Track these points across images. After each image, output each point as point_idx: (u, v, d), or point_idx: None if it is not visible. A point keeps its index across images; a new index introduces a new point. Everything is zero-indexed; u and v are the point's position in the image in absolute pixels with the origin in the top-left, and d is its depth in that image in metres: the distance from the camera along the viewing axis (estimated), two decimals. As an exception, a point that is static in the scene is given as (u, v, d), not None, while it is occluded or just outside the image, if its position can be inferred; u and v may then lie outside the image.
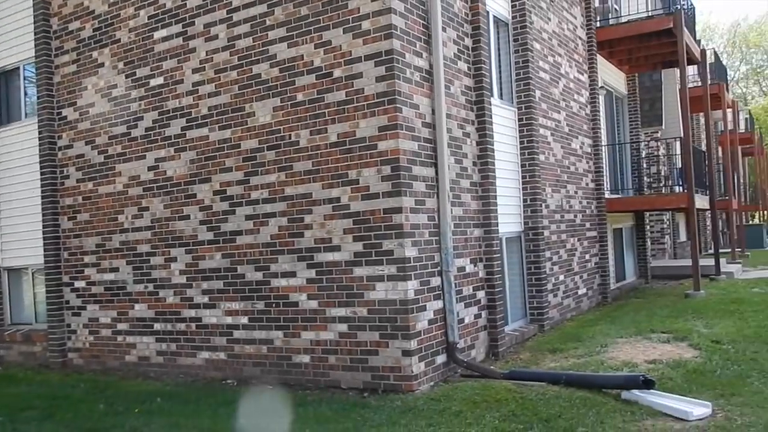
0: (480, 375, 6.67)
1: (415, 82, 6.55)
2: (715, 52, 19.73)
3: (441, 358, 6.66)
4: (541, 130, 9.72)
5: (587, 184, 11.63)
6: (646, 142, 17.07)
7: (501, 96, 9.10)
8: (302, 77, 6.74)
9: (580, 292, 10.96)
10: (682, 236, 21.00)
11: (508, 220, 8.75)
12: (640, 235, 14.97)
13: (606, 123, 13.61)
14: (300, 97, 6.76)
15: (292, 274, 6.84)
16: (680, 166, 16.89)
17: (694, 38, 14.20)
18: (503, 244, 8.63)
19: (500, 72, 9.20)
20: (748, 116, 33.17)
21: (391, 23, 6.21)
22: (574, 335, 8.57)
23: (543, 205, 9.55)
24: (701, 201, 13.19)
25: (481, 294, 7.61)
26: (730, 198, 17.90)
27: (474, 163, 7.70)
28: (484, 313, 7.64)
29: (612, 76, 14.00)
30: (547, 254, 9.58)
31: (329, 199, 6.59)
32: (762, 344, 7.39)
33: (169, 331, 7.81)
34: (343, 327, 6.52)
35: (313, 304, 6.71)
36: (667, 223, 18.24)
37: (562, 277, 10.17)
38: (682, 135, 11.83)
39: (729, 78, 63.53)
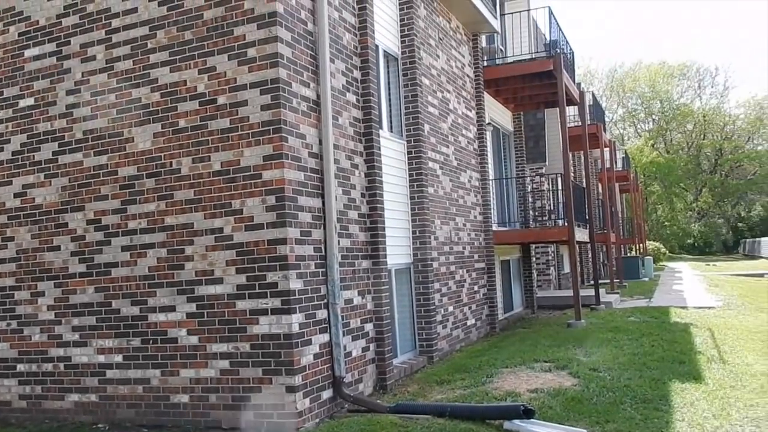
0: (367, 410, 6.56)
1: (302, 112, 6.47)
2: (594, 95, 21.04)
3: (327, 394, 6.50)
4: (430, 164, 9.89)
5: (475, 217, 11.92)
6: (532, 177, 17.82)
7: (391, 129, 9.20)
8: (185, 103, 6.51)
9: (469, 322, 11.13)
10: (566, 268, 21.95)
11: (398, 251, 8.78)
12: (526, 266, 15.49)
13: (493, 158, 14.09)
14: (182, 123, 6.51)
15: (171, 309, 6.50)
16: (563, 200, 17.80)
17: (574, 81, 15.04)
18: (392, 275, 8.64)
19: (390, 105, 9.32)
20: (624, 155, 35.45)
21: (278, 52, 6.13)
22: (462, 366, 8.65)
23: (432, 237, 9.67)
24: (581, 234, 13.84)
25: (369, 326, 7.54)
26: (608, 231, 18.94)
27: (362, 195, 7.68)
28: (372, 346, 7.57)
29: (499, 113, 14.56)
30: (436, 285, 9.69)
31: (212, 230, 6.35)
32: (635, 371, 7.73)
33: (34, 373, 7.19)
34: (224, 363, 6.24)
35: (194, 339, 6.39)
36: (552, 255, 19.02)
37: (451, 309, 10.30)
38: (562, 171, 12.36)
39: (607, 119, 67.99)
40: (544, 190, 18.23)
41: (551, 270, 18.74)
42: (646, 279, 25.96)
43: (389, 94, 9.32)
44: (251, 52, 6.23)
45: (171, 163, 6.55)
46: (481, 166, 12.35)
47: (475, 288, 11.58)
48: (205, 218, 6.38)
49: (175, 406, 6.45)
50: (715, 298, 16.97)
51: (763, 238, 52.39)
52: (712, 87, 71.93)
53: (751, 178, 68.06)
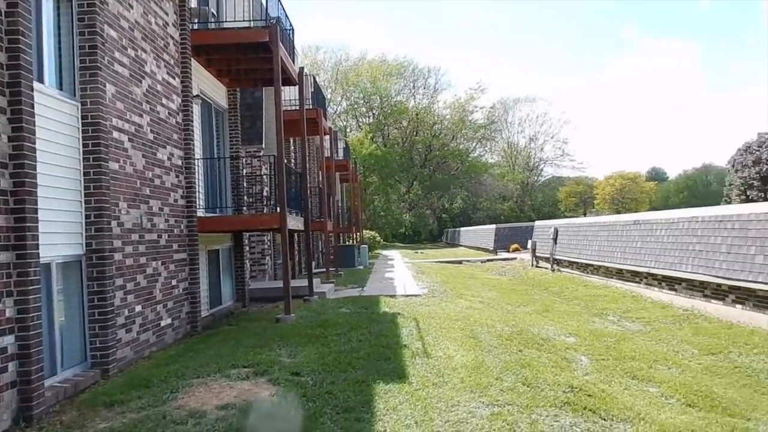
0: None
1: None
2: (315, 79, 20.62)
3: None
4: (116, 134, 8.18)
5: (176, 201, 10.42)
6: (249, 161, 16.70)
7: (59, 85, 7.33)
8: None
9: (164, 323, 9.63)
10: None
11: (61, 240, 6.99)
12: (238, 256, 14.35)
13: (203, 136, 12.67)
14: None
15: None
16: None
17: (294, 60, 14.22)
18: (52, 271, 6.83)
19: (60, 55, 7.42)
20: (345, 146, 36.20)
21: None
22: (145, 379, 7.18)
23: (115, 222, 8.00)
24: (295, 222, 13.11)
25: (8, 340, 5.72)
26: (326, 220, 18.64)
27: (3, 165, 5.80)
28: (12, 366, 5.75)
29: (211, 87, 13.14)
30: (119, 281, 8.05)
31: None
32: (340, 372, 7.04)
33: None
34: None
35: None
36: (269, 243, 18.13)
37: (139, 308, 8.71)
38: (274, 153, 11.43)
39: (331, 111, 69.94)
40: (260, 175, 17.22)
41: (267, 259, 17.84)
42: (362, 267, 26.59)
43: (58, 41, 7.41)
44: None
45: None
46: (185, 143, 10.85)
47: (173, 282, 10.10)
48: None
49: None
50: (422, 285, 17.61)
51: (461, 228, 58.26)
52: (424, 88, 77.89)
53: (453, 174, 75.46)
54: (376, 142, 68.47)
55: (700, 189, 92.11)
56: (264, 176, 17.44)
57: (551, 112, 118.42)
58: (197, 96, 11.76)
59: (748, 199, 47.05)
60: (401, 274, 21.88)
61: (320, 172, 20.75)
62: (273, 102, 16.29)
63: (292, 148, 23.04)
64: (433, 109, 76.90)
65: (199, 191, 11.36)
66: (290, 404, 5.91)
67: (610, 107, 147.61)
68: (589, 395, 6.60)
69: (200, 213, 11.72)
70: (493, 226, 43.10)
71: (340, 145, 35.03)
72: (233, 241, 14.30)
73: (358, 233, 39.57)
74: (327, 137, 22.74)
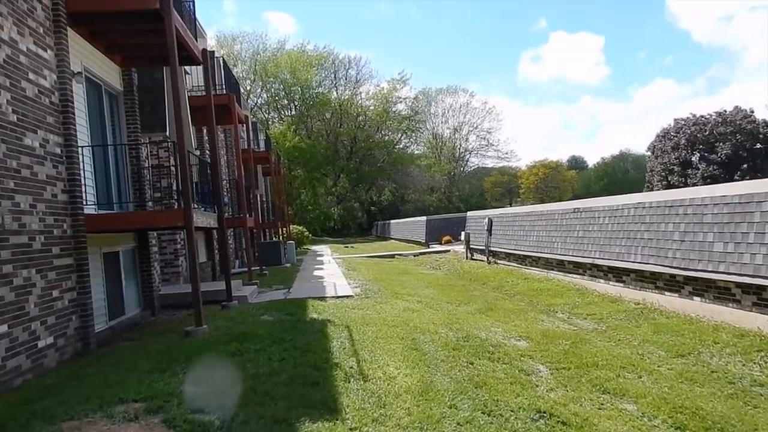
0: None
1: None
2: (224, 62, 18.81)
3: None
4: (-43, 112, 6.39)
5: (55, 196, 8.62)
6: (155, 151, 14.85)
7: None
8: None
9: (43, 343, 7.86)
10: (203, 257, 19.48)
11: None
12: (143, 258, 12.55)
13: (92, 121, 10.81)
14: None
15: None
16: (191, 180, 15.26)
17: (195, 36, 12.45)
18: None
19: None
20: (265, 137, 34.33)
21: None
22: (-2, 426, 5.50)
23: (-40, 225, 6.23)
24: (205, 218, 11.46)
25: None
26: (245, 215, 16.95)
27: None
28: None
29: (100, 65, 11.28)
30: (-33, 300, 6.29)
31: None
32: (255, 407, 5.54)
33: None
34: None
35: None
36: (182, 243, 16.29)
37: (3, 329, 6.94)
38: (176, 141, 9.75)
39: (252, 103, 67.50)
40: (168, 167, 15.38)
41: (181, 261, 16.01)
42: (288, 265, 24.97)
43: None
44: None
45: None
46: (64, 128, 9.04)
47: (55, 293, 8.31)
48: None
49: None
50: (353, 284, 16.22)
51: (392, 221, 57.19)
52: (346, 79, 76.29)
53: (380, 166, 74.37)
54: (299, 135, 66.50)
55: (618, 176, 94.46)
56: (173, 168, 15.61)
57: (473, 103, 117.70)
58: (79, 73, 9.92)
59: (669, 185, 48.01)
60: (331, 272, 20.43)
61: (237, 164, 19.00)
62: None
63: (206, 137, 21.17)
64: (356, 100, 75.53)
65: (86, 184, 9.55)
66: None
67: (528, 98, 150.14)
68: (564, 423, 5.38)
69: (90, 210, 9.92)
70: (424, 218, 42.17)
71: (261, 136, 33.16)
72: (137, 242, 12.49)
73: (284, 229, 37.81)
74: (243, 126, 20.98)
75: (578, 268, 15.73)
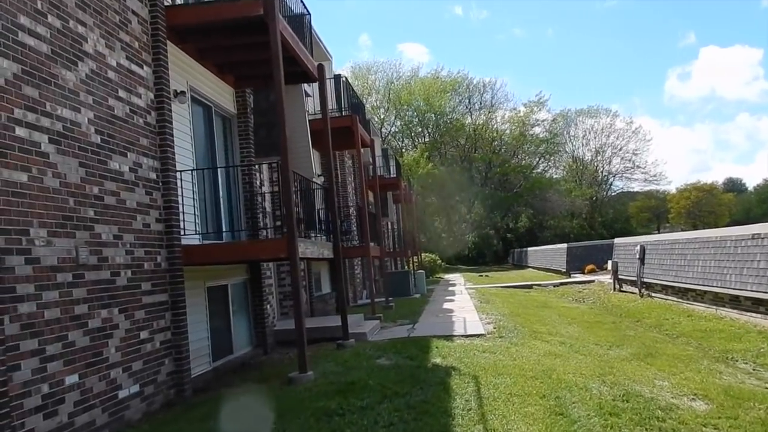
0: None
1: None
2: (348, 82, 17.95)
3: None
4: (20, 131, 5.62)
5: (148, 225, 7.81)
6: (275, 178, 14.12)
7: None
8: None
9: (126, 393, 6.96)
10: (326, 288, 18.59)
11: None
12: (256, 291, 11.68)
13: (198, 144, 10.11)
14: None
15: None
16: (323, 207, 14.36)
17: (311, 51, 11.55)
18: None
19: None
20: (395, 163, 33.47)
21: None
22: None
23: (20, 258, 5.40)
24: (318, 248, 10.36)
25: None
26: (367, 244, 15.83)
27: None
28: None
29: (210, 85, 10.62)
30: (30, 344, 5.43)
31: None
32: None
33: None
34: None
35: None
36: (302, 273, 15.42)
37: (73, 379, 6.06)
38: (280, 161, 8.73)
39: (385, 132, 67.62)
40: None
41: (303, 293, 15.09)
42: (417, 296, 23.62)
43: None
44: None
45: None
46: (161, 151, 8.27)
47: (143, 335, 7.44)
48: None
49: None
50: (486, 319, 14.51)
51: (529, 248, 54.43)
52: (480, 104, 74.62)
53: (516, 191, 71.67)
54: (433, 162, 65.47)
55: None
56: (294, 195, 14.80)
57: (617, 123, 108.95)
58: (182, 93, 9.21)
59: None
60: (462, 305, 18.79)
61: (361, 190, 17.97)
62: (296, 105, 13.70)
63: (334, 162, 20.42)
64: (491, 124, 73.58)
65: (184, 212, 8.72)
66: None
67: (676, 117, 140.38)
68: None
69: (193, 240, 9.11)
70: (565, 245, 39.35)
71: (391, 162, 32.32)
72: (249, 273, 11.65)
73: (415, 257, 36.63)
74: (367, 150, 20.01)
75: (759, 305, 13.04)
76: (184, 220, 8.65)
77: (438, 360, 9.31)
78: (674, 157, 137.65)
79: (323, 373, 8.59)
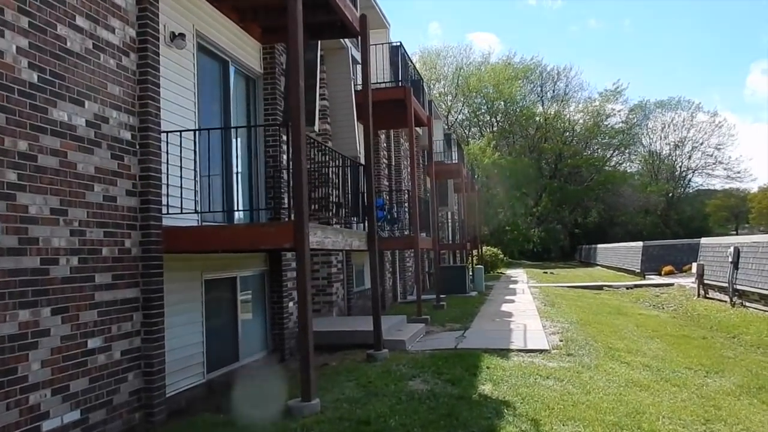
0: None
1: None
2: (404, 49, 15.75)
3: None
4: None
5: (112, 199, 5.99)
6: (310, 154, 12.21)
7: None
8: None
9: (55, 423, 5.17)
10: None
11: None
12: (275, 286, 9.83)
13: (206, 104, 8.25)
14: None
15: None
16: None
17: (356, 6, 9.53)
18: None
19: None
20: (458, 148, 31.17)
21: None
22: None
23: None
24: (343, 238, 8.41)
25: None
26: (416, 234, 13.77)
27: None
28: None
29: (229, 36, 8.77)
30: None
31: None
32: None
33: None
34: None
35: None
36: (339, 266, 13.51)
37: (-37, 408, 4.28)
38: (290, 125, 6.74)
39: (453, 119, 65.08)
40: (329, 173, 12.67)
41: (336, 287, 13.20)
42: (474, 294, 21.40)
43: None
44: None
45: None
46: (141, 105, 6.44)
47: (91, 344, 5.62)
48: None
49: None
50: (550, 328, 12.27)
51: (598, 245, 51.10)
52: (553, 92, 70.95)
53: (587, 185, 67.97)
54: (500, 151, 62.49)
55: None
56: (333, 174, 12.86)
57: (699, 116, 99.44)
58: (180, 36, 7.35)
59: None
60: (523, 307, 16.53)
61: (410, 172, 15.87)
62: (340, 72, 11.78)
63: (388, 143, 18.39)
64: (563, 114, 69.87)
65: (170, 184, 6.87)
66: None
67: (759, 113, 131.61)
68: None
69: (186, 221, 7.28)
70: (640, 243, 36.17)
71: (454, 148, 30.04)
72: (268, 264, 9.80)
73: (475, 251, 34.32)
74: (425, 131, 17.90)
75: None
76: (168, 195, 6.81)
77: (487, 388, 7.22)
78: (757, 154, 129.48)
79: (335, 400, 6.65)
